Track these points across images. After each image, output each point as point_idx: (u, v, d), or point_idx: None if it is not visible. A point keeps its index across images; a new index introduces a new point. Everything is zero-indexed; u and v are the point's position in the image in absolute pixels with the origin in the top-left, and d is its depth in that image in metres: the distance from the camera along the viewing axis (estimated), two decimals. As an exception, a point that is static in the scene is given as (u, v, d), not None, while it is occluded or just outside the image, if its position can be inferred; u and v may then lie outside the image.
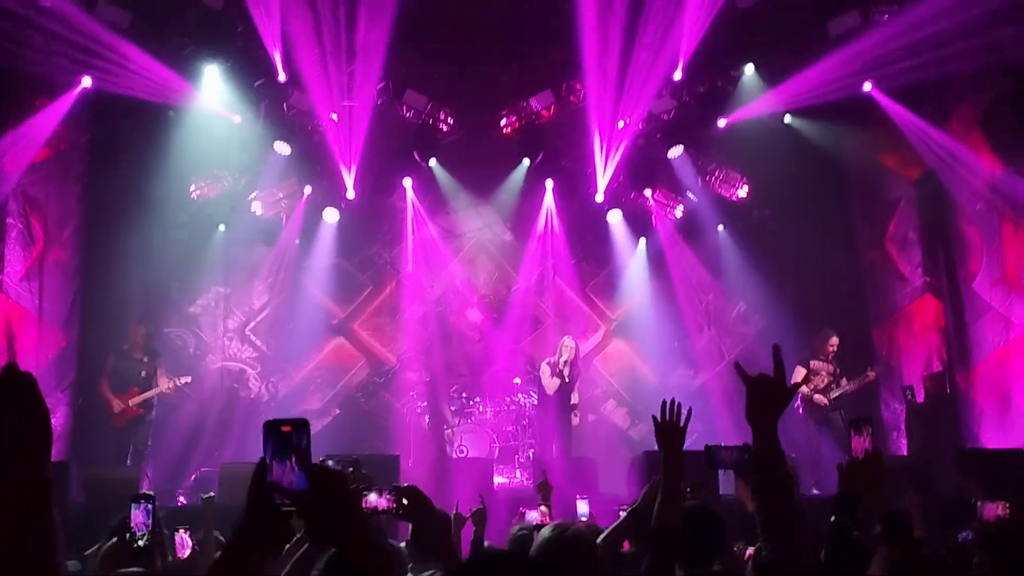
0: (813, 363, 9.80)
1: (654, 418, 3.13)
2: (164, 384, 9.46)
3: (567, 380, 10.12)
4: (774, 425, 2.32)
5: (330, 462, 3.07)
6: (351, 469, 3.08)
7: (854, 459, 3.03)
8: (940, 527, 5.10)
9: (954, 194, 9.93)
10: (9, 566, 1.17)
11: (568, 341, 10.36)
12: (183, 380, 9.68)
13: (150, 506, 3.76)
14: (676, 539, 2.97)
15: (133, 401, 9.30)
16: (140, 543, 3.70)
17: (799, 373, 9.66)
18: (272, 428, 1.60)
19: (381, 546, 2.68)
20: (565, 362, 10.12)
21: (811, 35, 10.03)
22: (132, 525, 3.72)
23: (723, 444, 3.49)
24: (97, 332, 10.10)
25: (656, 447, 3.10)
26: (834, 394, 9.73)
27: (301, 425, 1.60)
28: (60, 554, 1.23)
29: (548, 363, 10.33)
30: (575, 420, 10.46)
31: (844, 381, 9.81)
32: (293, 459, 1.57)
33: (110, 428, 9.34)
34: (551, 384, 10.15)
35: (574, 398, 10.40)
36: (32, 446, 1.23)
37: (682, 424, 3.09)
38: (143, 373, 9.46)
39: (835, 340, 9.88)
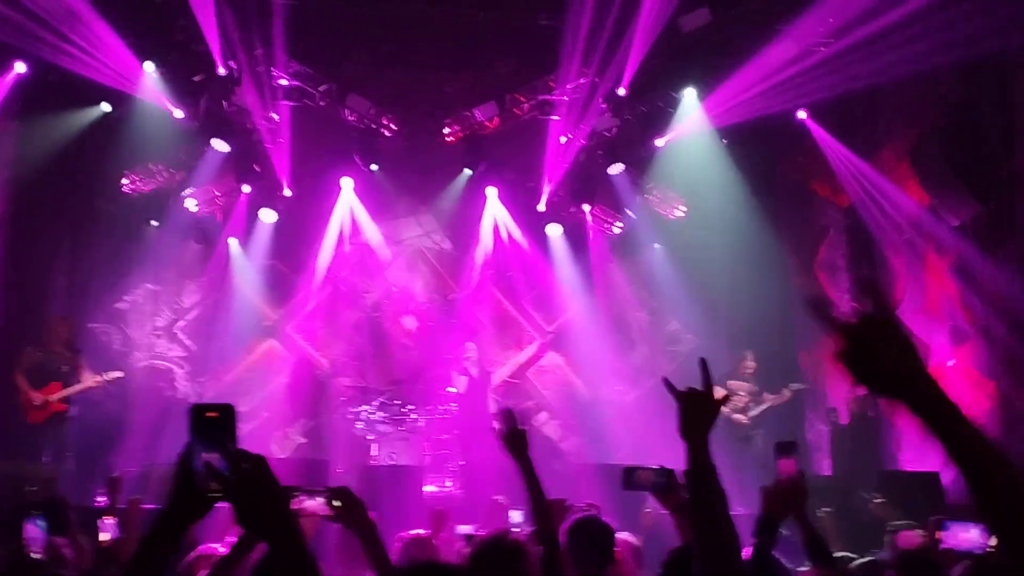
0: (731, 383, 10.04)
1: (497, 429, 3.20)
2: (89, 379, 9.18)
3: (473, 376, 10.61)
4: (705, 439, 2.35)
5: (303, 497, 3.02)
6: (337, 503, 3.03)
7: (777, 482, 3.11)
8: (856, 546, 5.24)
9: (880, 224, 10.22)
10: None
11: (470, 345, 10.97)
12: (113, 375, 9.42)
13: (43, 522, 3.69)
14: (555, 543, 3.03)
15: (55, 396, 8.99)
16: (35, 556, 3.63)
17: (718, 393, 9.84)
18: (198, 413, 1.60)
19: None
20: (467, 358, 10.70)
21: (750, 61, 10.25)
22: (25, 540, 3.64)
23: (641, 465, 3.51)
24: (17, 322, 9.77)
25: (585, 460, 3.14)
26: (753, 412, 9.98)
27: (227, 410, 1.60)
28: None
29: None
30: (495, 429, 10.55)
31: (766, 396, 10.08)
32: (219, 445, 1.56)
33: (25, 424, 9.00)
34: (459, 383, 10.73)
35: (492, 405, 10.59)
36: None
37: (521, 428, 3.15)
38: (64, 368, 9.16)
39: (750, 361, 10.16)
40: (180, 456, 1.57)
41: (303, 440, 10.66)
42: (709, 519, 2.31)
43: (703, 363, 2.46)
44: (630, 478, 3.41)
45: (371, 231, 12.13)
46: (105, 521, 4.31)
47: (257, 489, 1.53)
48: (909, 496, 7.32)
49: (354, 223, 11.98)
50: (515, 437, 3.14)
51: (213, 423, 1.59)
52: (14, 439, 9.04)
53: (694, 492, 2.32)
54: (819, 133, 10.54)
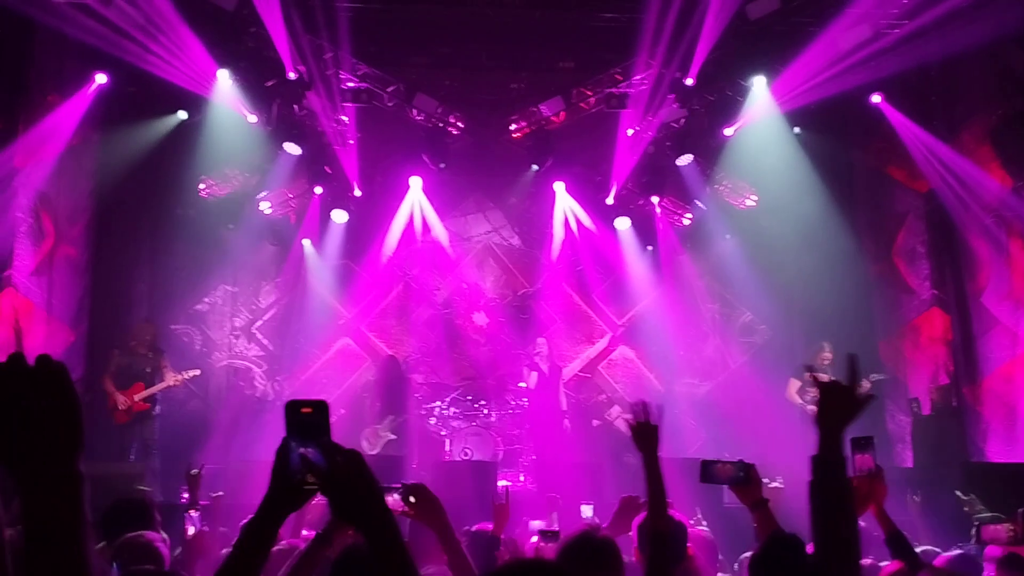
0: (807, 375, 9.80)
1: (628, 421, 3.16)
2: (171, 378, 9.50)
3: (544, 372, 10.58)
4: (841, 432, 2.32)
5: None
6: (412, 498, 3.09)
7: (855, 478, 3.06)
8: (940, 539, 5.10)
9: (961, 208, 9.91)
10: (41, 562, 1.16)
11: (541, 340, 10.94)
12: (191, 373, 9.75)
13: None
14: (668, 542, 3.00)
15: (139, 396, 9.33)
16: None
17: (792, 385, 9.73)
18: (293, 409, 1.65)
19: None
20: (538, 354, 10.70)
21: (818, 45, 10.02)
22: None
23: (722, 459, 3.50)
24: (105, 328, 10.14)
25: (669, 454, 3.12)
26: None
27: (321, 406, 1.65)
28: (92, 551, 1.21)
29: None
30: (566, 424, 10.60)
31: None
32: (313, 439, 1.61)
33: (113, 425, 9.35)
34: (530, 378, 10.68)
35: (563, 402, 10.63)
36: (65, 440, 1.20)
37: (655, 423, 3.11)
38: (148, 369, 9.49)
39: (827, 352, 9.88)
40: (278, 451, 1.62)
41: (393, 437, 10.77)
42: (832, 511, 2.29)
43: (852, 358, 2.43)
44: (708, 471, 3.40)
45: (440, 229, 12.24)
46: (191, 515, 4.46)
47: (353, 482, 1.58)
48: (995, 488, 7.09)
49: (424, 221, 12.10)
50: (645, 431, 3.13)
51: (308, 418, 1.64)
52: (103, 439, 9.39)
53: (820, 482, 2.29)
54: (895, 116, 10.27)
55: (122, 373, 9.43)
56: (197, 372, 9.94)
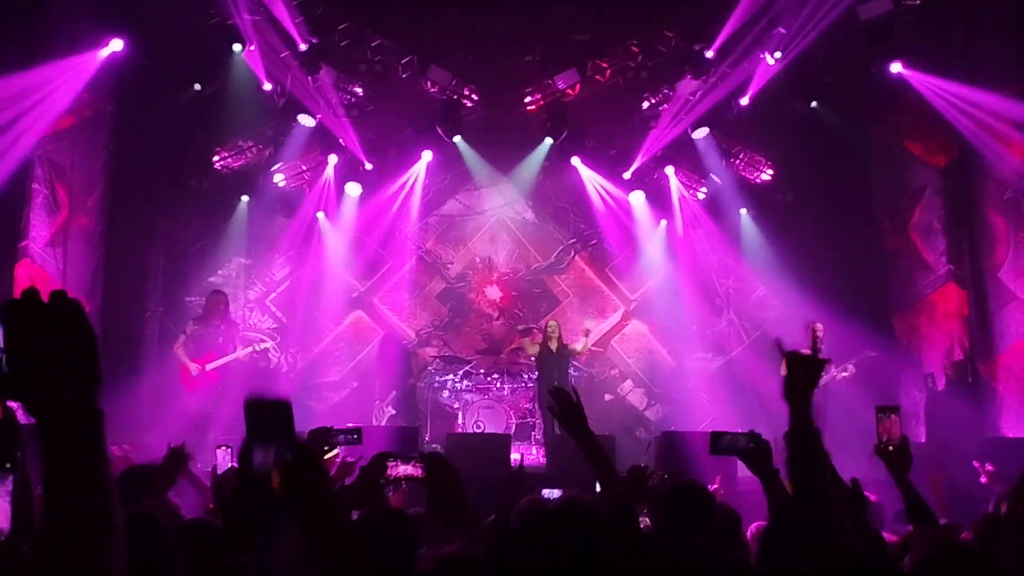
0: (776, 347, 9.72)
1: (779, 347, 2.46)
2: (241, 350, 9.57)
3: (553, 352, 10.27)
4: (808, 401, 2.31)
5: (398, 462, 3.12)
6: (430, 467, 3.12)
7: (883, 443, 3.09)
8: (957, 514, 5.09)
9: (983, 179, 9.81)
10: (64, 498, 1.14)
11: (552, 323, 10.64)
12: (263, 345, 9.86)
13: None
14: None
15: (211, 365, 9.36)
16: None
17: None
18: (254, 409, 1.64)
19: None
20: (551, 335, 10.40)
21: (840, 20, 9.90)
22: None
23: (730, 431, 3.51)
24: (118, 299, 10.18)
25: (671, 428, 3.12)
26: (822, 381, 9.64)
27: (283, 406, 1.64)
28: (113, 486, 1.19)
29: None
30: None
31: (832, 369, 9.54)
32: (276, 439, 1.61)
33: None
34: (531, 348, 10.63)
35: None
36: (84, 376, 1.17)
37: (576, 403, 3.08)
38: (220, 340, 9.53)
39: (818, 327, 9.80)
40: (239, 452, 1.61)
41: (393, 412, 10.86)
42: (809, 481, 2.28)
43: (812, 329, 2.43)
44: (718, 443, 3.40)
45: (452, 202, 12.21)
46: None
47: (304, 482, 1.58)
48: (1012, 463, 7.06)
49: (435, 194, 12.07)
50: (568, 414, 3.12)
51: (269, 418, 1.63)
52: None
53: (794, 453, 2.29)
54: (919, 79, 10.00)
55: (196, 342, 9.44)
56: (268, 344, 10.01)
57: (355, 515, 2.97)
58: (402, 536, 2.78)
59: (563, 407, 3.10)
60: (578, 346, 10.45)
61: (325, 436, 3.74)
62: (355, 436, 4.07)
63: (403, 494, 4.47)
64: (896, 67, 10.08)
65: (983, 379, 9.75)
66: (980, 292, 9.94)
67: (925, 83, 9.96)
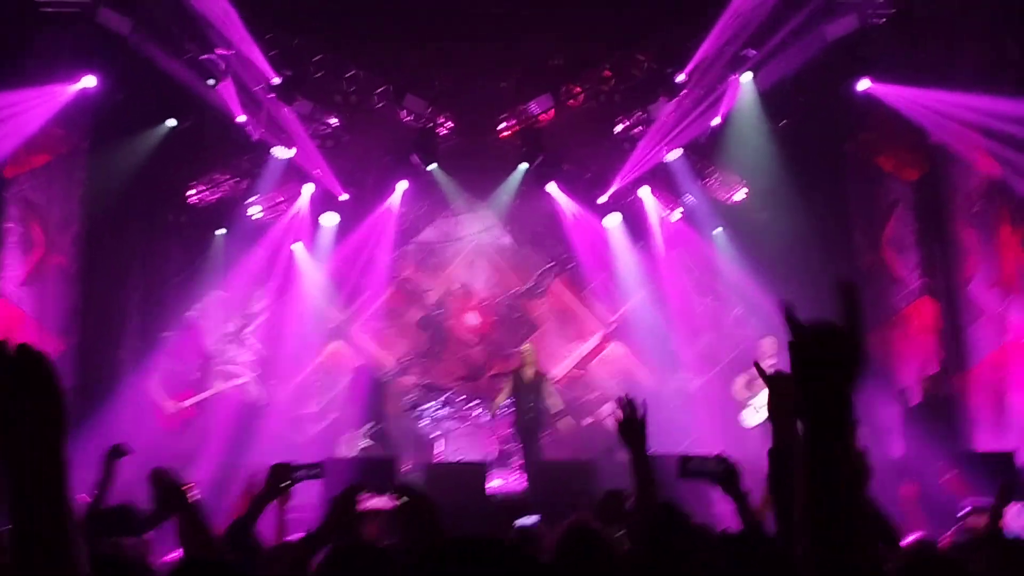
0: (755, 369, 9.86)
1: (616, 417, 3.21)
2: (218, 385, 9.55)
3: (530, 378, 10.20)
4: (792, 422, 2.35)
5: (371, 495, 3.11)
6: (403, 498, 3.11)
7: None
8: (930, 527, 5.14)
9: (953, 192, 9.92)
10: (24, 548, 1.18)
11: (526, 346, 10.57)
12: (239, 380, 9.87)
13: None
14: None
15: (187, 402, 9.32)
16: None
17: (739, 381, 10.45)
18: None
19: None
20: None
21: (807, 38, 10.04)
22: None
23: (697, 455, 3.53)
24: (96, 337, 10.12)
25: (651, 450, 3.15)
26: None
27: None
28: (77, 534, 1.21)
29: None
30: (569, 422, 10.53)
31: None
32: None
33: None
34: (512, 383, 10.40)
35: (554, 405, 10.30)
36: (48, 428, 1.22)
37: (640, 417, 3.15)
38: (196, 375, 9.51)
39: (768, 343, 10.15)
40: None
41: (370, 443, 10.81)
42: (791, 500, 2.31)
43: (792, 347, 2.47)
44: (686, 467, 3.42)
45: (430, 230, 12.25)
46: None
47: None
48: (984, 476, 7.13)
49: (412, 222, 12.10)
50: (631, 426, 3.17)
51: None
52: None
53: (776, 473, 2.33)
54: (888, 91, 10.09)
55: (170, 378, 9.41)
56: (246, 379, 9.97)
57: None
58: (373, 570, 2.79)
59: (627, 418, 3.15)
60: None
61: (284, 472, 3.68)
62: (316, 471, 3.99)
63: (378, 525, 4.47)
64: (864, 84, 10.19)
65: (957, 393, 9.82)
66: (952, 306, 10.04)
67: (894, 94, 10.07)
